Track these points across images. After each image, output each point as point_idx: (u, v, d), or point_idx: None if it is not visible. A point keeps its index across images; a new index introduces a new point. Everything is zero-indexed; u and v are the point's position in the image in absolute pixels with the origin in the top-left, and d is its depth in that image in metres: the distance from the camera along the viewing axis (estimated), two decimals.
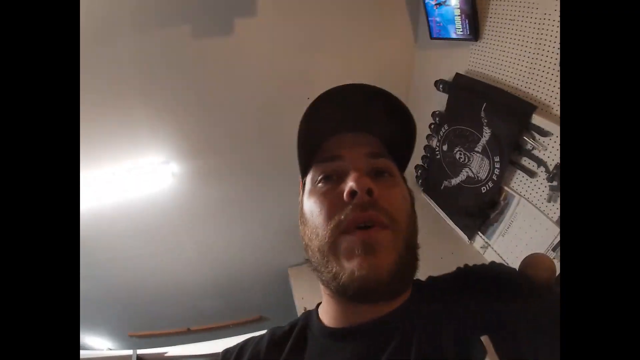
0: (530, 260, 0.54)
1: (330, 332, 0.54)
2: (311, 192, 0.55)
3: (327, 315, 0.56)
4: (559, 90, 1.37)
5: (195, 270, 2.89)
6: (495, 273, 0.54)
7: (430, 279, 0.58)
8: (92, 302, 2.77)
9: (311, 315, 0.61)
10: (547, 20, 1.37)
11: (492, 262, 0.58)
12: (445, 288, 0.53)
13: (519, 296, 0.47)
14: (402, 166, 0.61)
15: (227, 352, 0.63)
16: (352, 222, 0.48)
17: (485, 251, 1.78)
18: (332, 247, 0.49)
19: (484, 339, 0.43)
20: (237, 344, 0.63)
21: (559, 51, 1.33)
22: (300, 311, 2.45)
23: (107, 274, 2.64)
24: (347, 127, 0.57)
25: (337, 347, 0.52)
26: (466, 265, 0.58)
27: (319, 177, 0.55)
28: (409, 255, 0.50)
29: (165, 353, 2.23)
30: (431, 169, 2.14)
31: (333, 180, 0.53)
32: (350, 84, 0.54)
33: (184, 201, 2.37)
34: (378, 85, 0.55)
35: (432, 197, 2.13)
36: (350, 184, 0.49)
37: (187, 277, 2.93)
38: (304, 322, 0.60)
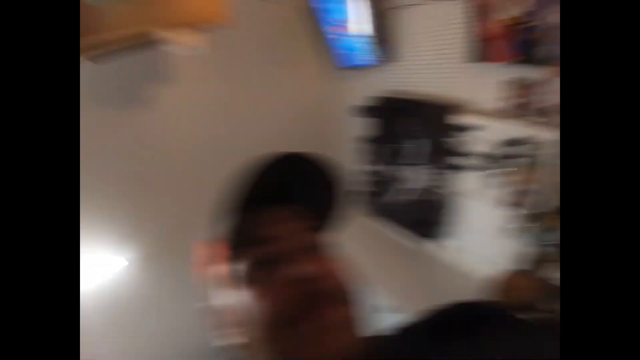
0: (508, 285, 0.53)
1: None
2: (251, 282, 0.46)
3: None
4: (471, 91, 1.54)
5: None
6: (472, 315, 0.48)
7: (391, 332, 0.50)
8: None
9: None
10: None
11: (458, 303, 0.51)
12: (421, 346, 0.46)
13: (505, 337, 0.43)
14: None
15: None
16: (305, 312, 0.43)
17: (450, 252, 1.80)
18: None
19: None
20: None
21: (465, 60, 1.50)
22: None
23: None
24: (276, 200, 0.52)
25: None
26: (432, 310, 0.51)
27: (252, 263, 0.47)
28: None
29: None
30: (376, 192, 2.15)
31: (270, 265, 0.46)
32: (287, 155, 0.52)
33: None
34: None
35: (384, 218, 2.13)
36: (296, 272, 0.44)
37: None
38: None
